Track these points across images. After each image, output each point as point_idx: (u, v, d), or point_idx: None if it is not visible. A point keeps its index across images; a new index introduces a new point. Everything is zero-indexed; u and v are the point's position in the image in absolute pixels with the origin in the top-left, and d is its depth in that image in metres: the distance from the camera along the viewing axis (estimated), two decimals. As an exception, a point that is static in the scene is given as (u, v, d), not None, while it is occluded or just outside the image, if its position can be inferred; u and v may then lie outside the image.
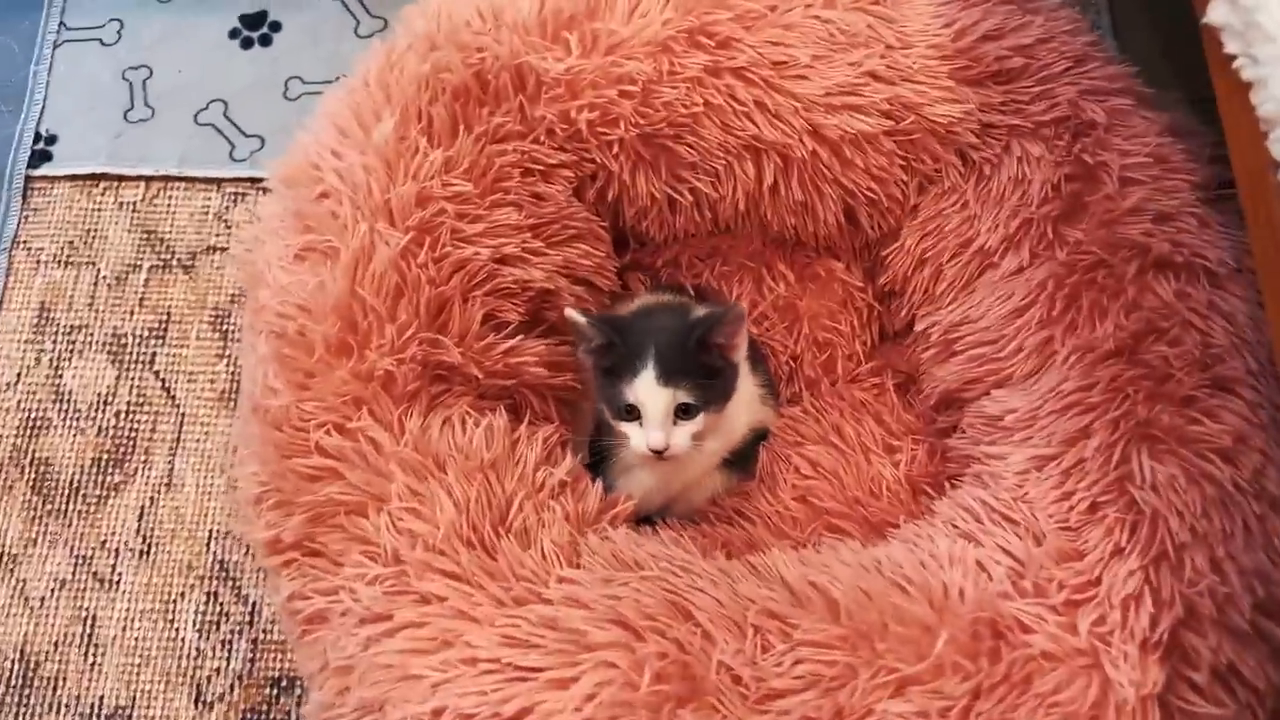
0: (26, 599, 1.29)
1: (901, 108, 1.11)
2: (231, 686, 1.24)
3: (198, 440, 1.36)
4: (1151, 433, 0.93)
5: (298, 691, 1.23)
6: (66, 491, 1.34)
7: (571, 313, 1.02)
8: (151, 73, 1.59)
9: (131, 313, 1.43)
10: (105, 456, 1.36)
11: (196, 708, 1.24)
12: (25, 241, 1.47)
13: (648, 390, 1.00)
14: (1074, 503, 0.93)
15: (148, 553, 1.31)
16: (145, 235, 1.48)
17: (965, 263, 1.12)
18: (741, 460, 1.17)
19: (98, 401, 1.39)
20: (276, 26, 1.61)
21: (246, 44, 1.60)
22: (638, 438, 1.02)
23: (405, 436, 0.96)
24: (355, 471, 0.93)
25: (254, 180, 1.49)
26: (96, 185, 1.51)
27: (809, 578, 0.90)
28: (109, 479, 1.35)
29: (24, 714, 1.24)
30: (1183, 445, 0.92)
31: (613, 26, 1.07)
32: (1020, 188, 1.09)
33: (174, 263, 1.46)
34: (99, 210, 1.49)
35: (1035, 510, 0.94)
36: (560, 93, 1.07)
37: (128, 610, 1.28)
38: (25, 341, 1.42)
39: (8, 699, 1.25)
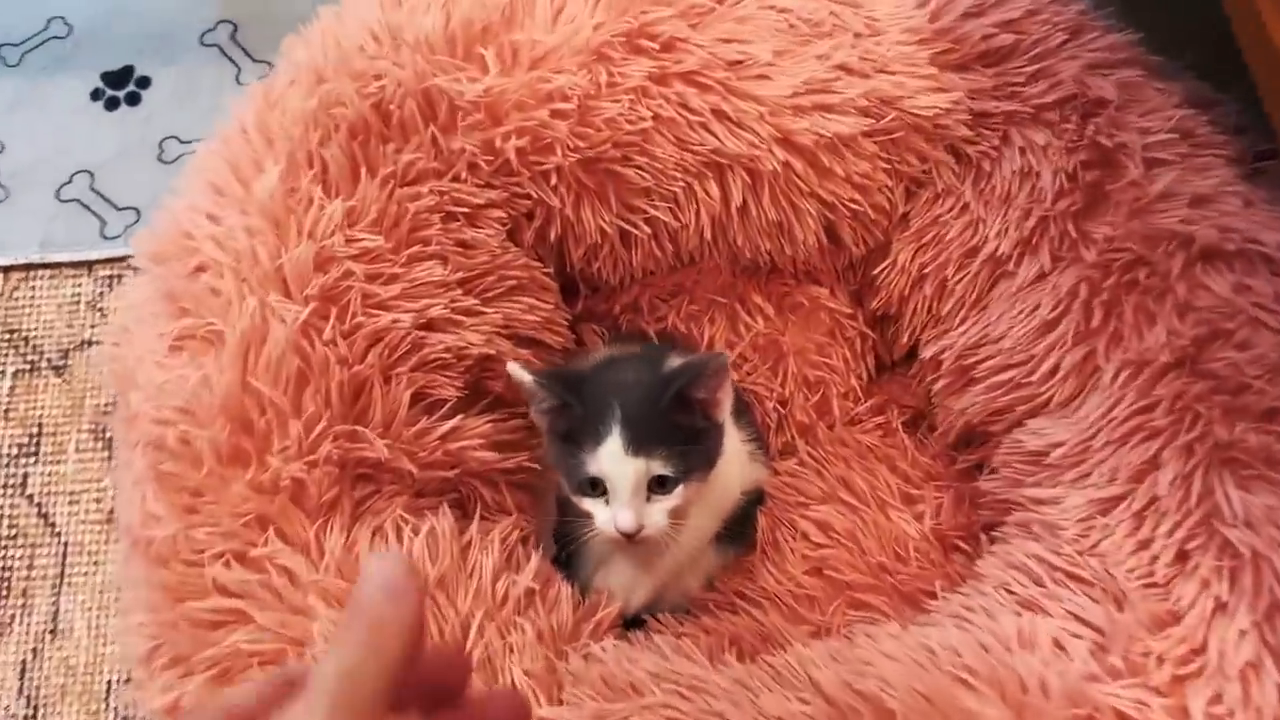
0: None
1: (880, 103, 0.96)
2: None
3: (85, 573, 1.16)
4: (1234, 456, 0.78)
5: None
6: (-74, 652, 1.12)
7: (515, 368, 0.85)
8: (3, 147, 1.39)
9: (-5, 428, 1.23)
10: (-28, 604, 1.14)
11: None
12: None
13: (613, 461, 0.83)
14: (1156, 551, 0.77)
15: (34, 717, 1.09)
16: (7, 335, 1.27)
17: (974, 275, 0.97)
18: (737, 531, 1.00)
19: (-42, 538, 1.17)
20: (145, 82, 1.44)
21: (112, 105, 1.43)
22: (603, 517, 0.85)
23: (325, 559, 0.77)
24: (266, 612, 0.75)
25: (131, 259, 1.28)
26: (-57, 282, 1.30)
27: (851, 683, 0.73)
28: (-21, 631, 1.13)
29: None
30: (1274, 468, 0.77)
31: (535, 36, 0.91)
32: (1028, 182, 0.95)
33: (43, 364, 1.26)
34: (-52, 311, 1.28)
35: (1109, 565, 0.78)
36: (480, 119, 0.90)
37: (13, 794, 1.07)
38: None
39: None
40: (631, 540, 0.85)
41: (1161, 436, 0.80)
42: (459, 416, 0.86)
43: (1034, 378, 0.91)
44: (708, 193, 0.95)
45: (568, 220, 0.94)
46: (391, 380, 0.83)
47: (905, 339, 1.05)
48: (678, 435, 0.85)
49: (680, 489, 0.85)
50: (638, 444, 0.83)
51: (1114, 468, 0.82)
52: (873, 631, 0.82)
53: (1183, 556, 0.76)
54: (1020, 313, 0.92)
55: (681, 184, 0.95)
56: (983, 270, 0.96)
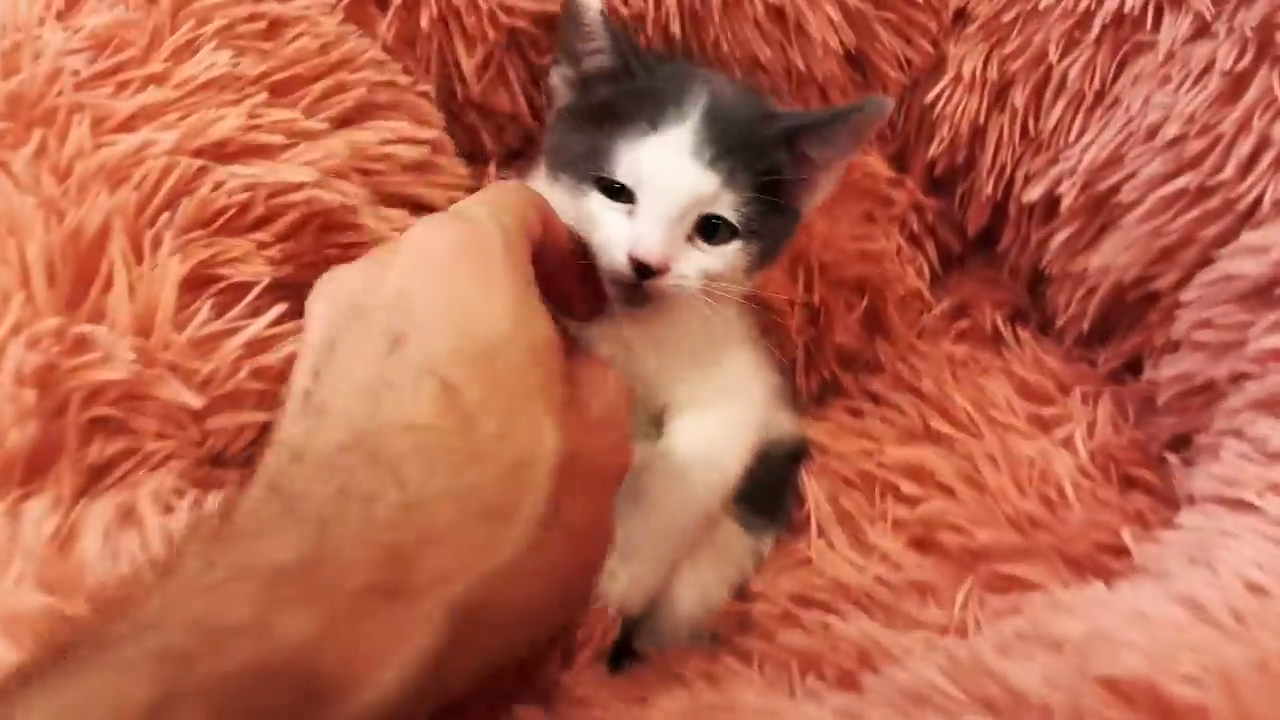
0: None
1: None
2: None
3: None
4: None
5: None
6: None
7: None
8: None
9: None
10: None
11: None
12: None
13: (667, 160, 0.57)
14: None
15: None
16: None
17: (1089, 57, 0.63)
18: (772, 503, 0.63)
19: None
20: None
21: None
22: (617, 232, 0.57)
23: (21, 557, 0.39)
24: None
25: None
26: None
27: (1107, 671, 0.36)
28: None
29: None
30: None
31: None
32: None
33: None
34: None
35: None
36: None
37: None
38: None
39: None
40: (633, 298, 0.57)
41: None
42: (277, 312, 0.50)
43: (1224, 174, 0.57)
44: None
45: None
46: (146, 243, 0.47)
47: (989, 191, 0.70)
48: (763, 178, 0.58)
49: (733, 249, 0.58)
50: (713, 153, 0.57)
51: None
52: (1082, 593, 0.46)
53: None
54: (1180, 86, 0.59)
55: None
56: (1103, 44, 0.63)
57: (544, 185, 0.61)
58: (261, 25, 0.53)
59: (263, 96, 0.50)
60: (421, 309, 0.41)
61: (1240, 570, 0.42)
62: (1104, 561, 0.56)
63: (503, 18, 0.60)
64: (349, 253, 0.53)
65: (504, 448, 0.39)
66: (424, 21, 0.58)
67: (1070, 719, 0.36)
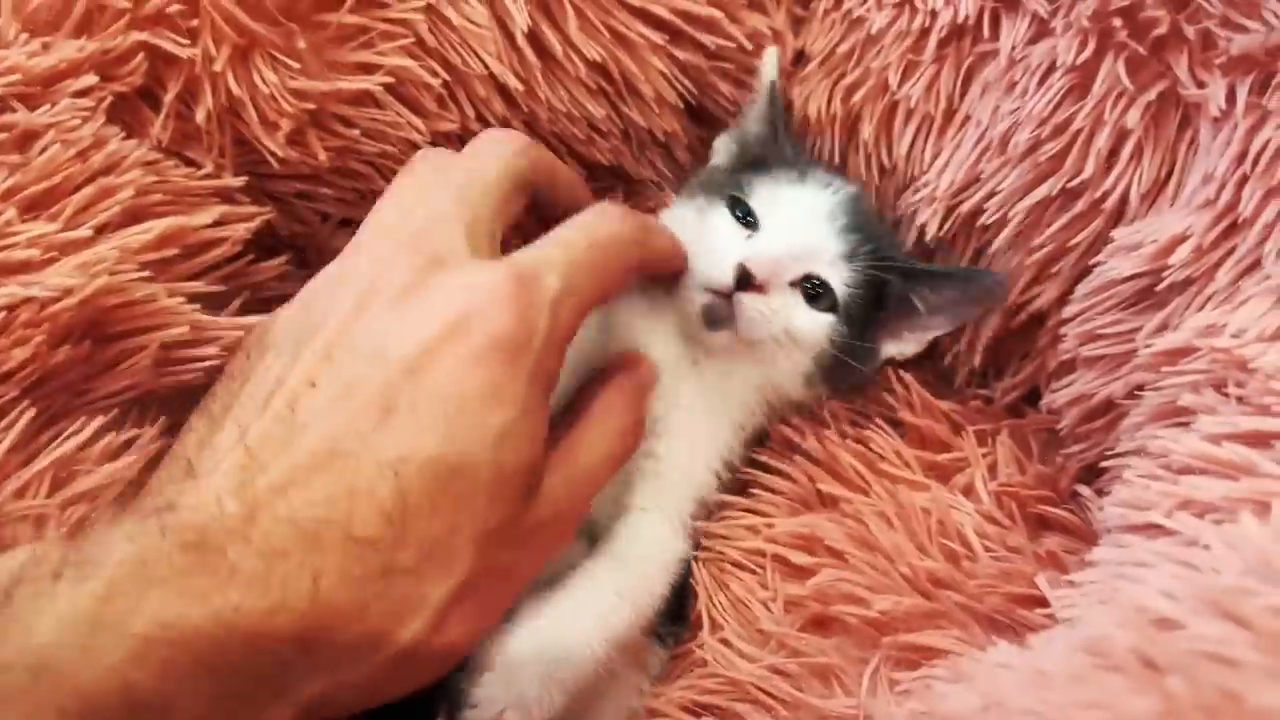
0: None
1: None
2: None
3: None
4: None
5: None
6: None
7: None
8: None
9: None
10: None
11: None
12: None
13: (804, 204, 0.59)
14: None
15: None
16: None
17: (932, 75, 0.59)
18: (674, 601, 0.56)
19: None
20: None
21: None
22: (729, 240, 0.58)
23: None
24: None
25: None
26: None
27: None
28: None
29: None
30: None
31: None
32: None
33: None
34: None
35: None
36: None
37: None
38: None
39: None
40: (713, 315, 0.56)
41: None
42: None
43: (1086, 174, 0.53)
44: (471, 20, 0.57)
45: (225, 86, 0.54)
46: None
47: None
48: (870, 290, 0.58)
49: (823, 321, 0.57)
50: (845, 224, 0.58)
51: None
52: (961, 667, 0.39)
53: None
54: (1026, 90, 0.55)
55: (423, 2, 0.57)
56: (944, 61, 0.59)
57: (672, 212, 0.63)
58: (7, 137, 0.48)
59: (12, 213, 0.45)
60: (427, 393, 0.40)
61: (1147, 605, 0.36)
62: (1021, 615, 0.49)
63: (296, 104, 0.55)
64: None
65: (405, 583, 0.39)
66: (200, 118, 0.53)
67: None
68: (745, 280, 0.55)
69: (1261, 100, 0.47)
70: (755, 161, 0.63)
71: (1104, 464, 0.52)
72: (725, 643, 0.53)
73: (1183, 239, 0.48)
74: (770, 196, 0.60)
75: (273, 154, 0.55)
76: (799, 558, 0.53)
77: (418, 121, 0.58)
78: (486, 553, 0.41)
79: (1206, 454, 0.43)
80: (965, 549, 0.52)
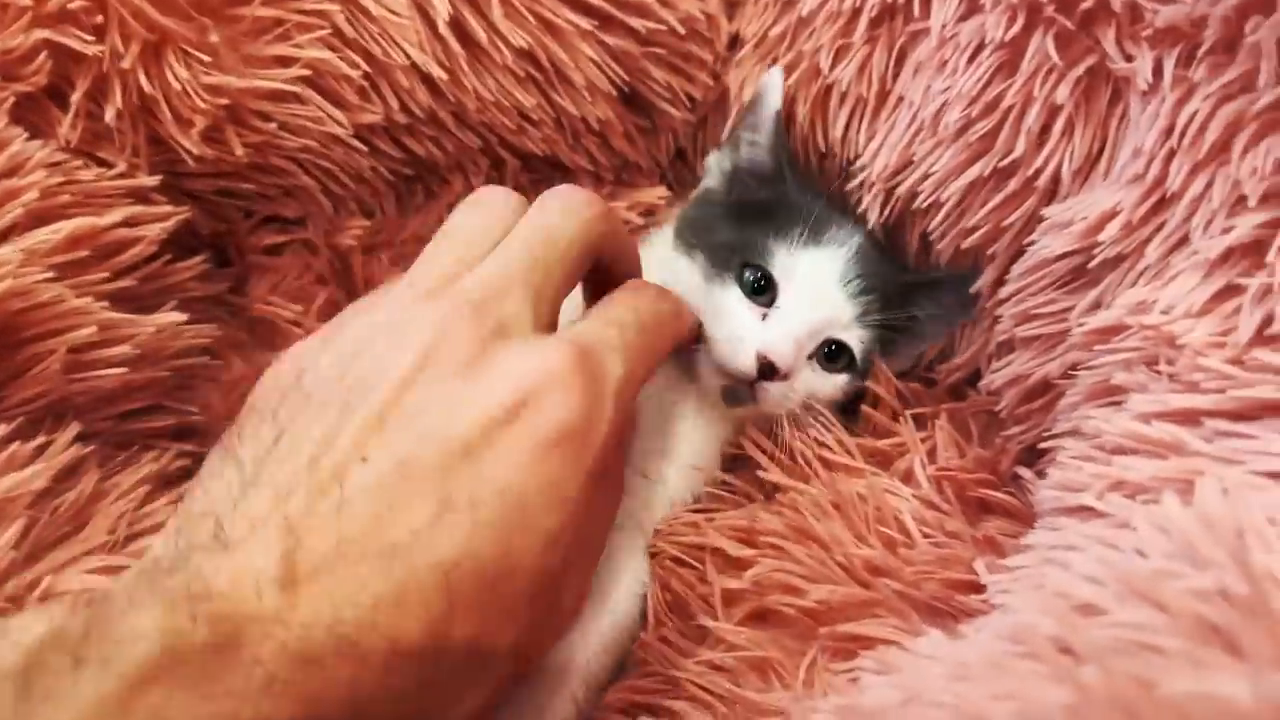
0: None
1: None
2: None
3: None
4: None
5: None
6: None
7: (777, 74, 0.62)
8: None
9: None
10: None
11: None
12: None
13: (822, 272, 0.59)
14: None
15: None
16: None
17: (865, 55, 0.58)
18: None
19: None
20: None
21: None
22: (746, 328, 0.57)
23: None
24: None
25: None
26: None
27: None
28: None
29: None
30: None
31: None
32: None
33: None
34: None
35: None
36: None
37: None
38: None
39: None
40: (735, 396, 0.57)
41: None
42: None
43: (1017, 152, 0.52)
44: (390, 9, 0.55)
45: (136, 84, 0.52)
46: None
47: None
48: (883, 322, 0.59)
49: (843, 380, 0.59)
50: (859, 287, 0.58)
51: (1229, 190, 0.43)
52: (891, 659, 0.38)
53: None
54: (956, 68, 0.54)
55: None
56: (876, 42, 0.58)
57: (665, 249, 0.62)
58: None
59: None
60: (487, 486, 0.37)
61: (1071, 591, 0.35)
62: (960, 601, 0.48)
63: (211, 100, 0.53)
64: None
65: (442, 695, 0.37)
66: (110, 116, 0.51)
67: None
68: (769, 371, 0.55)
69: (1188, 73, 0.46)
70: (758, 206, 0.61)
71: (1042, 445, 0.52)
72: (665, 640, 0.52)
73: (1112, 215, 0.47)
74: (788, 264, 0.58)
75: (188, 152, 0.54)
76: (737, 550, 0.52)
77: (339, 114, 0.56)
78: (521, 653, 0.38)
79: (1137, 433, 0.42)
80: (903, 536, 0.51)
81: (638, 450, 0.57)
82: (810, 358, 0.58)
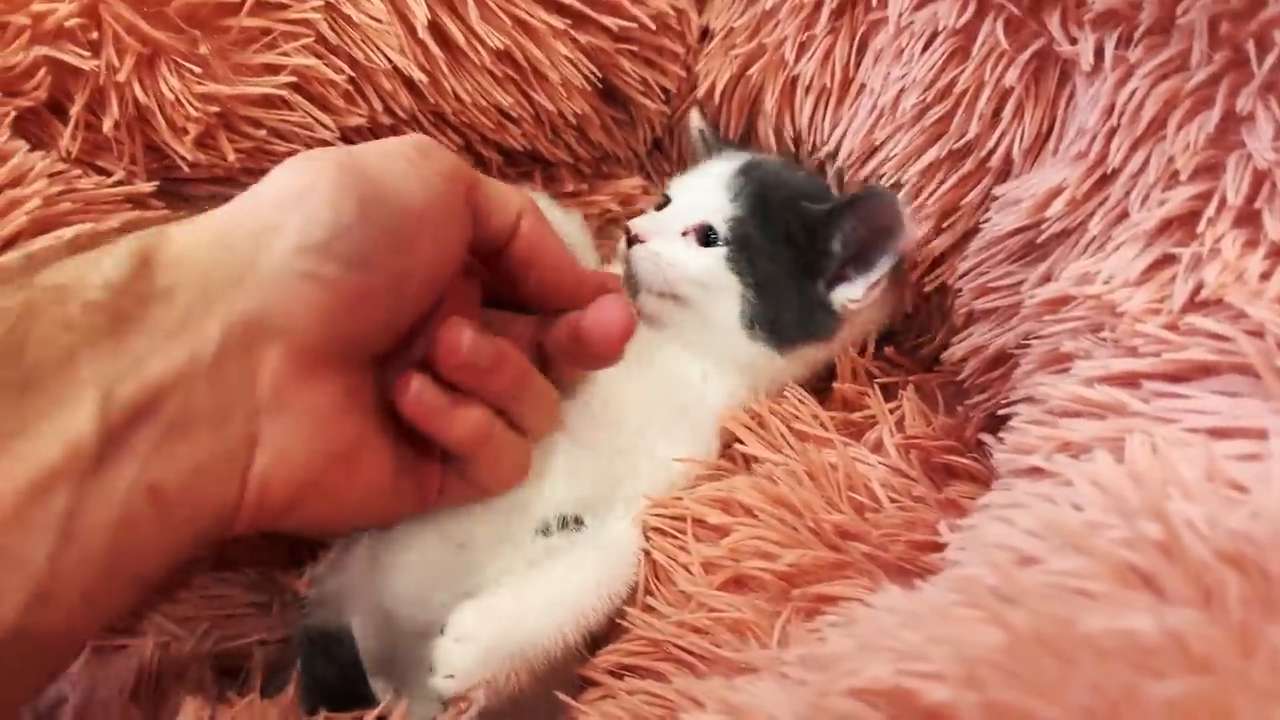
0: None
1: None
2: None
3: None
4: None
5: None
6: None
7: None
8: None
9: None
10: None
11: None
12: None
13: (700, 174, 0.64)
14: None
15: None
16: None
17: (827, 47, 0.60)
18: None
19: None
20: None
21: None
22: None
23: None
24: None
25: None
26: None
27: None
28: None
29: None
30: None
31: None
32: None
33: None
34: None
35: (1244, 305, 0.39)
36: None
37: None
38: None
39: None
40: (632, 284, 0.60)
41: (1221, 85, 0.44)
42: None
43: (970, 134, 0.54)
44: (371, 15, 0.57)
45: (131, 95, 0.54)
46: None
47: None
48: (768, 229, 0.60)
49: (716, 255, 0.59)
50: (740, 181, 0.62)
51: (1164, 165, 0.45)
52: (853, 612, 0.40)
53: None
54: (913, 55, 0.56)
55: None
56: (838, 32, 0.60)
57: None
58: None
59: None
60: None
61: (1013, 543, 0.37)
62: (925, 561, 0.50)
63: (204, 108, 0.56)
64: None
65: None
66: (107, 127, 0.54)
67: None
68: (630, 238, 0.60)
69: (1126, 53, 0.48)
70: None
71: (1001, 412, 0.54)
72: (648, 608, 0.55)
73: (1059, 191, 0.49)
74: (680, 182, 0.64)
75: (183, 158, 0.56)
76: (715, 517, 0.55)
77: (325, 118, 0.59)
78: None
79: (1081, 396, 0.45)
80: (872, 501, 0.53)
81: (634, 425, 0.60)
82: (685, 236, 0.60)
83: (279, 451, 0.40)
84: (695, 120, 0.70)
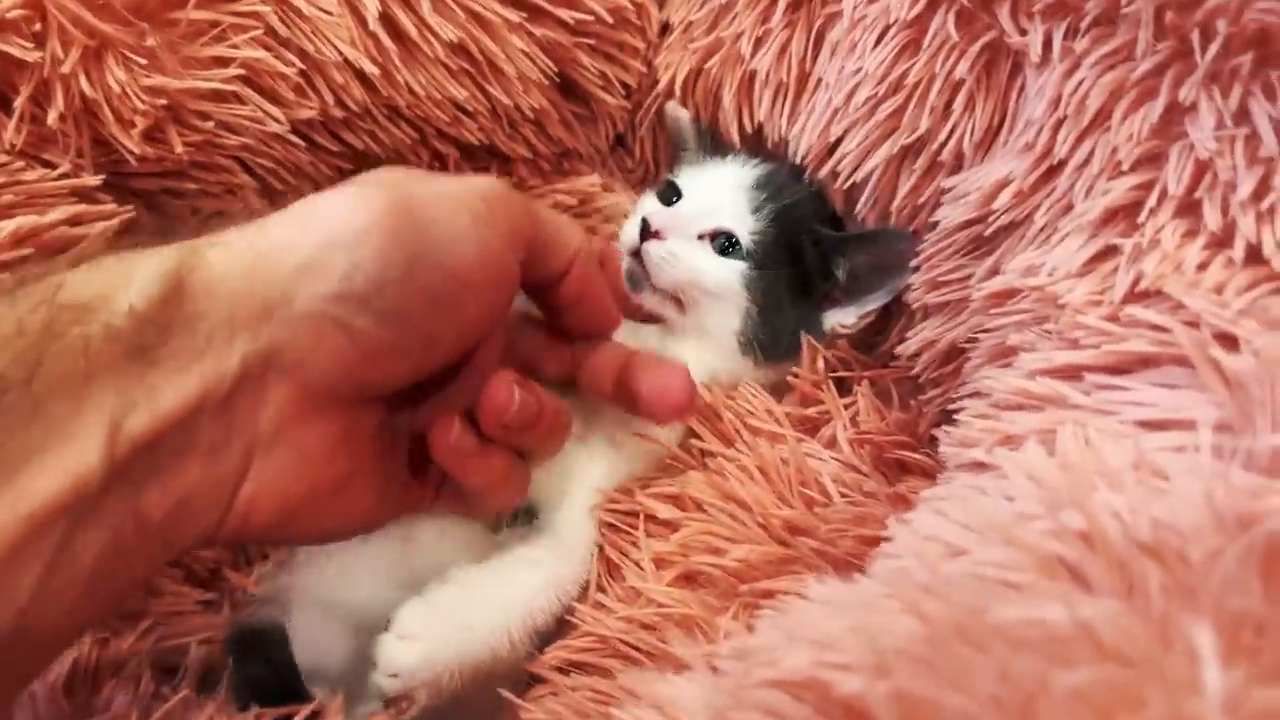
0: None
1: None
2: None
3: None
4: None
5: None
6: None
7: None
8: None
9: None
10: None
11: None
12: None
13: (717, 174, 0.64)
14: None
15: None
16: None
17: (784, 40, 0.60)
18: None
19: None
20: None
21: None
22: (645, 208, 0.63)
23: None
24: None
25: None
26: None
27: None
28: None
29: None
30: None
31: None
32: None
33: None
34: None
35: (1183, 295, 0.39)
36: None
37: None
38: None
39: None
40: (637, 282, 0.59)
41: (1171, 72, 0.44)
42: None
43: (922, 129, 0.54)
44: (321, 7, 0.57)
45: (77, 88, 0.54)
46: None
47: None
48: (786, 251, 0.61)
49: (733, 268, 0.59)
50: (760, 190, 0.61)
51: (1108, 156, 0.44)
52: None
53: None
54: (866, 49, 0.56)
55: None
56: (795, 26, 0.60)
57: None
58: None
59: None
60: None
61: (944, 536, 0.37)
62: (873, 555, 0.50)
63: (151, 101, 0.55)
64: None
65: None
66: (52, 119, 0.53)
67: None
68: (646, 232, 0.58)
69: (1073, 44, 0.48)
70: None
71: (951, 407, 0.53)
72: (598, 605, 0.54)
73: (1006, 183, 0.49)
74: (689, 175, 0.64)
75: (130, 152, 0.55)
76: (666, 511, 0.54)
77: (276, 111, 0.58)
78: None
79: (1023, 389, 0.44)
80: (823, 496, 0.53)
81: (608, 415, 0.59)
82: (701, 239, 0.59)
83: (268, 483, 0.38)
84: (674, 108, 0.69)
